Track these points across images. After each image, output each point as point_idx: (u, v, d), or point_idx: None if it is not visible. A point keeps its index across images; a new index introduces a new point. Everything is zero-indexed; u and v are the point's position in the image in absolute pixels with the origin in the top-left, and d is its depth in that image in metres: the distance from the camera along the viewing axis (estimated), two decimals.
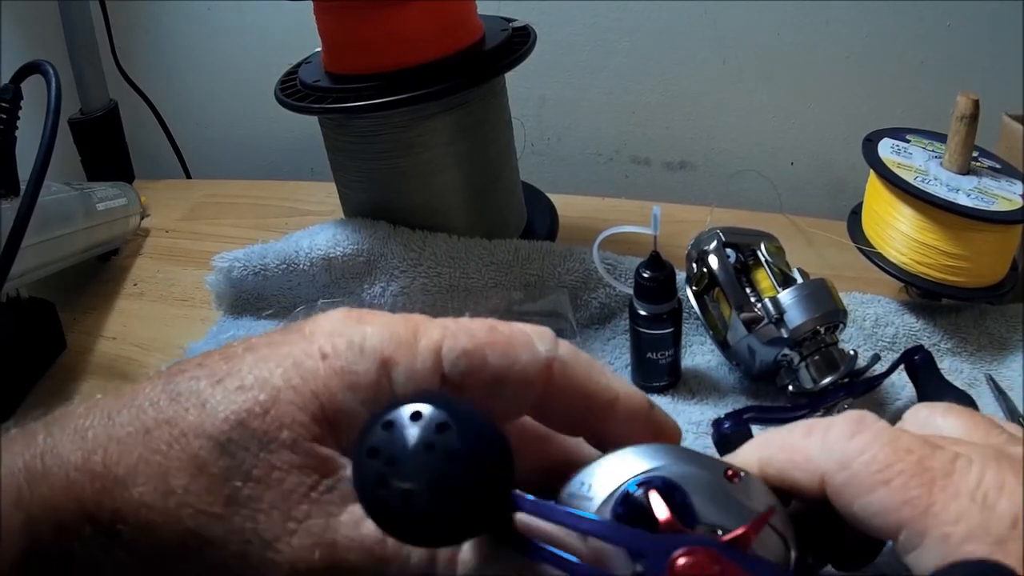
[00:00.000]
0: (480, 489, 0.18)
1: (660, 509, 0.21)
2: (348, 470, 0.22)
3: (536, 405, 0.25)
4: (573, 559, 0.21)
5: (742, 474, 0.24)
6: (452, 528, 0.18)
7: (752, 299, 0.48)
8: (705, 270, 0.49)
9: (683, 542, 0.20)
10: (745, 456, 0.26)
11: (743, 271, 0.50)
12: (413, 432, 0.18)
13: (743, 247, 0.50)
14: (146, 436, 0.21)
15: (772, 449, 0.25)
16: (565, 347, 0.25)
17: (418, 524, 0.18)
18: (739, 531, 0.21)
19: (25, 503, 0.21)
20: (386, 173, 0.58)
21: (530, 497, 0.21)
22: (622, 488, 0.23)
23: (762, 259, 0.49)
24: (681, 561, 0.20)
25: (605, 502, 0.23)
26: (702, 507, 0.22)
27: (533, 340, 0.24)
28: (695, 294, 0.51)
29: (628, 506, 0.23)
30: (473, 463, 0.18)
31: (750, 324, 0.46)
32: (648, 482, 0.23)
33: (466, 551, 0.22)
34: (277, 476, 0.21)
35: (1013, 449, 0.23)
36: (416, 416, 0.19)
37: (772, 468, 0.25)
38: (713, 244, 0.49)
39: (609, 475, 0.24)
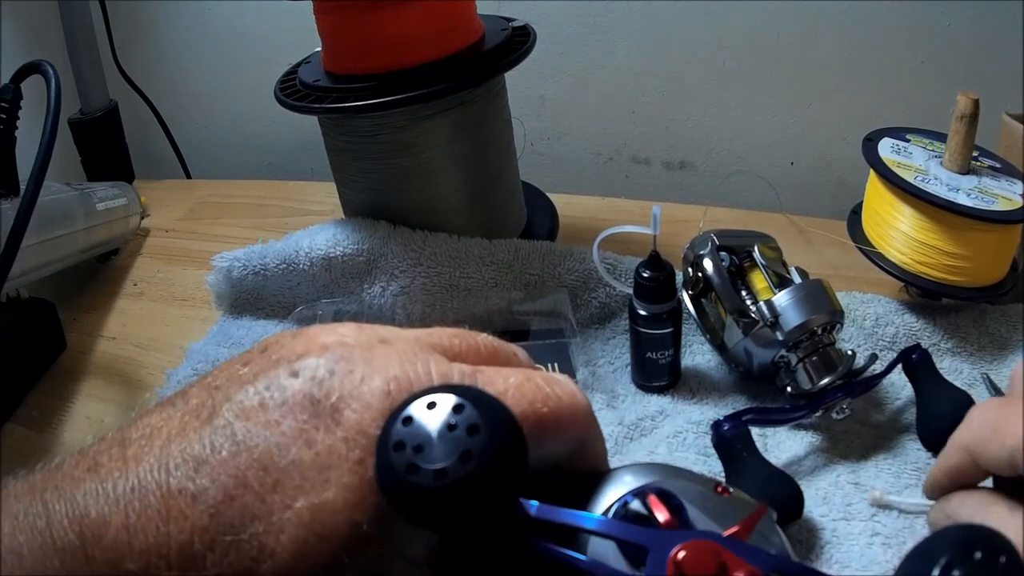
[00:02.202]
0: (504, 455, 0.19)
1: (660, 511, 0.22)
2: None
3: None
4: (581, 556, 0.22)
5: (731, 489, 0.24)
6: (483, 500, 0.19)
7: (748, 302, 0.48)
8: (700, 274, 0.49)
9: (685, 537, 0.21)
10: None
11: (738, 274, 0.50)
12: (433, 419, 0.19)
13: (738, 249, 0.50)
14: None
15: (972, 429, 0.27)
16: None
17: (451, 500, 0.19)
18: (735, 528, 0.22)
19: None
20: (386, 173, 0.58)
21: (535, 503, 0.22)
22: (620, 500, 0.24)
23: (757, 261, 0.49)
24: (682, 554, 0.20)
25: (604, 513, 0.24)
26: (695, 515, 0.23)
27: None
28: (691, 298, 0.51)
29: (626, 515, 0.23)
30: (493, 432, 0.19)
31: (746, 327, 0.46)
32: (643, 492, 0.23)
33: None
34: None
35: None
36: (431, 405, 0.20)
37: (973, 447, 0.27)
38: (707, 248, 0.49)
39: (606, 492, 0.24)
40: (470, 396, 0.20)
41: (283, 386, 0.22)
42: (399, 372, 0.23)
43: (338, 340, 0.24)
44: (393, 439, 0.20)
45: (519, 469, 0.20)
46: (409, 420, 0.20)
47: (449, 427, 0.19)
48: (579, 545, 0.23)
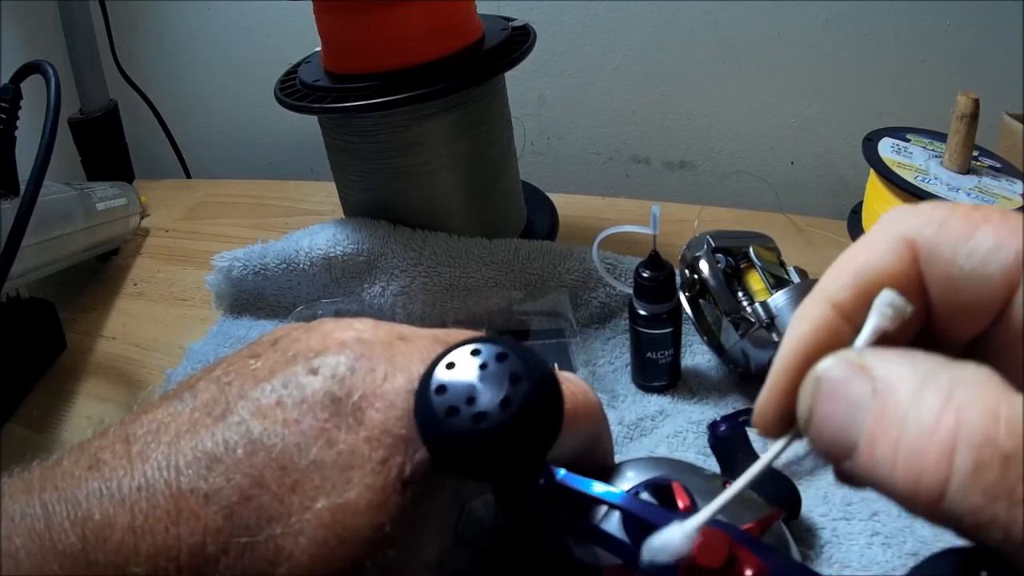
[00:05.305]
0: (544, 404, 0.19)
1: (681, 498, 0.22)
2: None
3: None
4: (614, 494, 0.22)
5: None
6: (520, 447, 0.19)
7: (745, 303, 0.48)
8: (696, 276, 0.49)
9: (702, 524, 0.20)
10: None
11: (735, 275, 0.50)
12: (476, 365, 0.20)
13: (735, 251, 0.50)
14: None
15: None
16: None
17: (489, 444, 0.19)
18: (750, 524, 0.22)
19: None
20: (386, 173, 0.58)
21: (562, 470, 0.22)
22: (632, 490, 0.24)
23: (754, 262, 0.49)
24: (698, 540, 0.20)
25: None
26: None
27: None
28: (688, 299, 0.51)
29: None
30: (534, 382, 0.19)
31: (742, 329, 0.46)
32: (657, 483, 0.23)
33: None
34: None
35: None
36: (476, 352, 0.20)
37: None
38: (703, 250, 0.49)
39: (617, 484, 0.25)
40: (513, 348, 0.20)
41: (302, 384, 0.22)
42: (422, 370, 0.22)
43: (356, 336, 0.24)
44: (435, 383, 0.20)
45: (557, 420, 0.20)
46: (452, 365, 0.20)
47: (492, 375, 0.19)
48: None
